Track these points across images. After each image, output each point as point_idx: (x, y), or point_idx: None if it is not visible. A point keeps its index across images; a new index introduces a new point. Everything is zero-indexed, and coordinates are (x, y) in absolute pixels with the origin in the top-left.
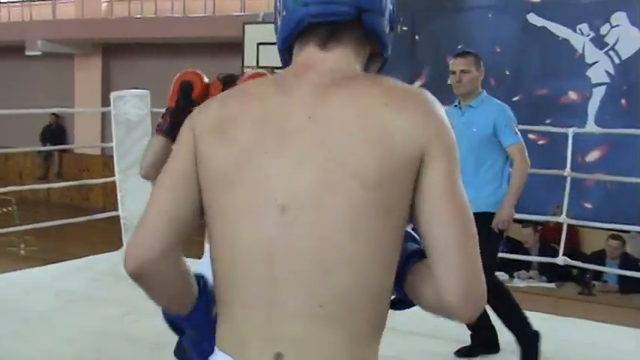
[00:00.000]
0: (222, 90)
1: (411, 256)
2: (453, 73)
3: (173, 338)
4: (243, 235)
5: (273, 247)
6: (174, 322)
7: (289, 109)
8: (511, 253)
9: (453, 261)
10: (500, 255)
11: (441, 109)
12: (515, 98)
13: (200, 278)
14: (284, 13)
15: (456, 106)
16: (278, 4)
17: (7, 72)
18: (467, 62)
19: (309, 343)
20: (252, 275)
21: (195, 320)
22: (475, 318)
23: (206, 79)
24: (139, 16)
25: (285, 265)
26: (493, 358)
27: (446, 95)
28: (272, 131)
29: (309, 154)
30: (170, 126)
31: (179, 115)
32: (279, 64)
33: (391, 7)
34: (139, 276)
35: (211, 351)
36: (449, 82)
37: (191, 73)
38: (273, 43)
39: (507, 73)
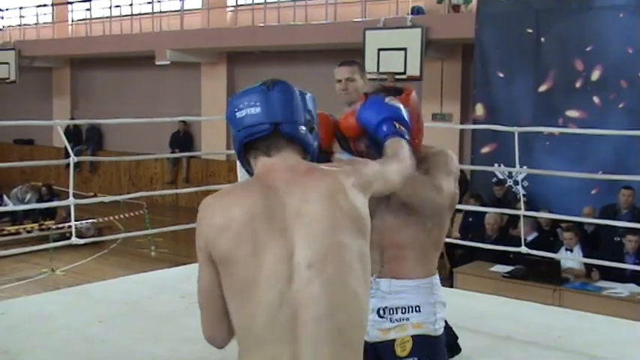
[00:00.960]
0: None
1: None
2: (339, 81)
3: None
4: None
5: (296, 299)
6: None
7: (281, 202)
8: None
9: None
10: (629, 267)
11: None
12: None
13: None
14: (234, 134)
15: None
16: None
17: (138, 81)
18: (351, 70)
19: None
20: (280, 319)
21: None
22: None
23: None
24: (262, 24)
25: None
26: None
27: (574, 98)
28: (276, 220)
29: (310, 232)
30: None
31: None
32: (398, 70)
33: (307, 116)
34: (217, 346)
35: None
36: (337, 90)
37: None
38: (394, 49)
39: None
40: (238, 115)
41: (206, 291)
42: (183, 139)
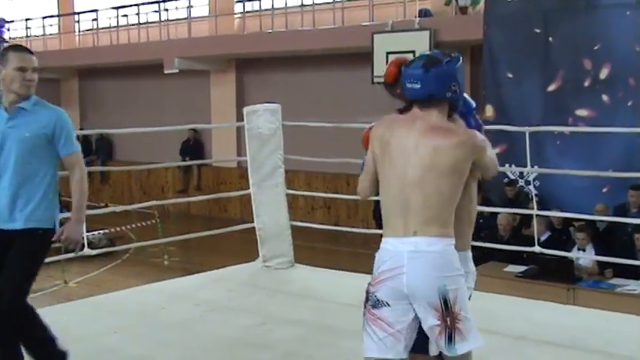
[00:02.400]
0: None
1: None
2: (23, 70)
3: (306, 347)
4: (394, 186)
5: (408, 189)
6: None
7: (413, 138)
8: None
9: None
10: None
11: (472, 139)
12: None
13: None
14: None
15: None
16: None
17: (147, 90)
18: (36, 60)
19: (427, 227)
20: (398, 204)
21: None
22: None
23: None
24: (270, 30)
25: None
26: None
27: (583, 97)
28: (405, 147)
29: (418, 161)
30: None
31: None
32: None
33: (452, 82)
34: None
35: None
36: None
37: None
38: (403, 52)
39: None
40: (407, 85)
41: (367, 163)
42: (194, 147)
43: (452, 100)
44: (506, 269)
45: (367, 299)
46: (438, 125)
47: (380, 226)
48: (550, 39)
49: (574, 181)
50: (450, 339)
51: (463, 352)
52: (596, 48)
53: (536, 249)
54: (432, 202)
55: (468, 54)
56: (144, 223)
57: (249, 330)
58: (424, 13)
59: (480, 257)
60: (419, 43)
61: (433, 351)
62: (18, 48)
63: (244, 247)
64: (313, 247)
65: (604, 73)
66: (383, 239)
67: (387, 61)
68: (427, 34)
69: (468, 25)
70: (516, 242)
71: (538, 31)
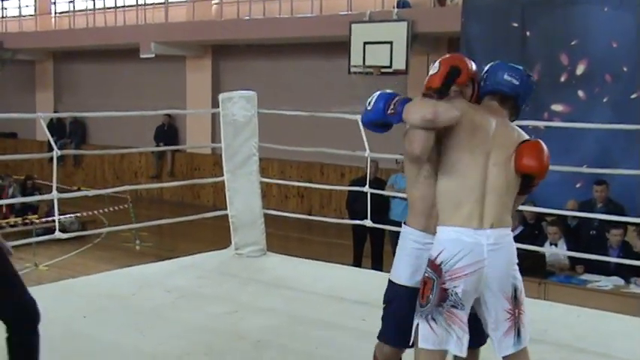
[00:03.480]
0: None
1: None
2: None
3: (278, 336)
4: (474, 174)
5: (488, 180)
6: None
7: (494, 126)
8: (627, 256)
9: None
10: (614, 260)
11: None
12: (633, 96)
13: None
14: (487, 82)
15: None
16: (485, 75)
17: (122, 74)
18: None
19: (501, 218)
20: (477, 189)
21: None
22: None
23: (473, 66)
24: (247, 17)
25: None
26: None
27: (559, 92)
28: (490, 133)
29: (501, 147)
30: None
31: (439, 96)
32: (384, 64)
33: (529, 96)
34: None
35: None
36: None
37: (460, 60)
38: (380, 42)
39: (624, 69)
40: (506, 77)
41: (450, 117)
42: (168, 132)
43: (519, 112)
44: None
45: (445, 297)
46: (508, 122)
47: (353, 217)
48: (527, 33)
49: (548, 176)
50: (519, 333)
51: (524, 346)
52: (573, 43)
53: None
54: (509, 191)
55: (446, 46)
56: (116, 208)
57: (220, 318)
58: (402, 4)
59: None
60: (397, 34)
61: (497, 348)
62: None
63: (216, 235)
64: (286, 236)
65: (580, 69)
66: (447, 227)
67: (364, 51)
68: (405, 25)
69: (446, 16)
70: None
71: (516, 25)
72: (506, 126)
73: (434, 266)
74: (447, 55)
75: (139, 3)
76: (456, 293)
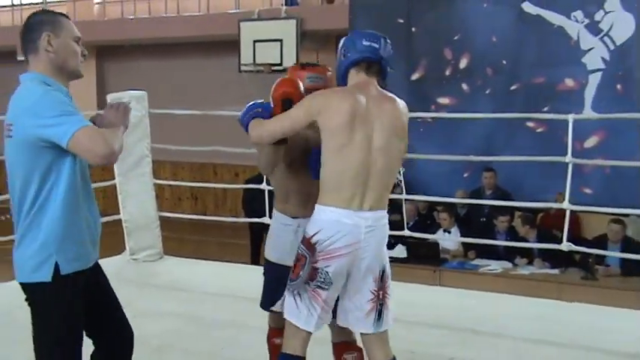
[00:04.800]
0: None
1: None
2: (78, 41)
3: (178, 340)
4: (356, 158)
5: (371, 163)
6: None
7: (371, 105)
8: (513, 240)
9: None
10: (504, 243)
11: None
12: (513, 87)
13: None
14: (348, 54)
15: None
16: (343, 49)
17: None
18: None
19: (381, 200)
20: (362, 173)
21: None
22: None
23: (301, 87)
24: (132, 16)
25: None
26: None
27: (444, 86)
28: (368, 114)
29: (383, 127)
30: None
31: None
32: (275, 61)
33: (388, 58)
34: (256, 142)
35: None
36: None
37: (290, 86)
38: (269, 40)
39: (504, 62)
40: (364, 42)
41: (288, 129)
42: None
43: (385, 76)
44: None
45: (314, 275)
46: (384, 92)
47: (250, 215)
48: (413, 29)
49: (437, 167)
50: (380, 314)
51: (386, 329)
52: (456, 38)
53: (406, 233)
54: (391, 171)
55: (334, 42)
56: (1, 218)
57: None
58: (290, 2)
59: None
60: (286, 32)
61: (341, 320)
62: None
63: (107, 241)
64: (182, 239)
65: (463, 63)
66: (327, 208)
67: (254, 49)
68: (294, 23)
69: (334, 14)
70: None
71: (401, 21)
72: (381, 98)
73: (308, 244)
74: (277, 82)
75: (15, 3)
76: (327, 273)
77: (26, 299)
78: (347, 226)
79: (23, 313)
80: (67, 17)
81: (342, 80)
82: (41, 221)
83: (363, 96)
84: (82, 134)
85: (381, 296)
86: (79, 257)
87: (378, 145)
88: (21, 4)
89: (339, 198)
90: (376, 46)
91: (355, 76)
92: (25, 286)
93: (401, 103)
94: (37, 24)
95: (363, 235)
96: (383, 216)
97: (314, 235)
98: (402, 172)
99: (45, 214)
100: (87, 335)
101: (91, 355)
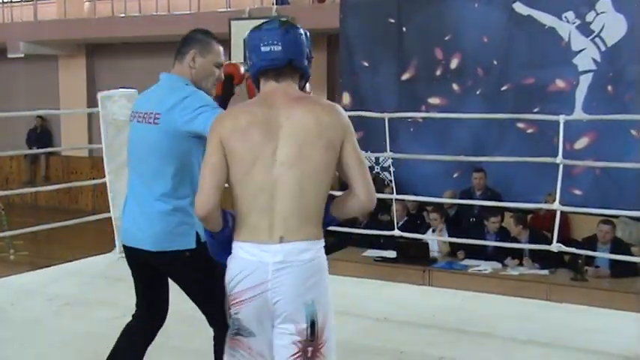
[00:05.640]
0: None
1: (329, 202)
2: (219, 68)
3: (167, 338)
4: (257, 179)
5: (277, 184)
6: (211, 236)
7: (275, 116)
8: (503, 241)
9: (361, 180)
10: (493, 244)
11: (344, 112)
12: (504, 88)
13: (227, 214)
14: (250, 62)
15: None
16: (246, 57)
17: None
18: None
19: (297, 230)
20: (263, 197)
21: (222, 235)
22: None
23: (242, 69)
24: (122, 15)
25: (282, 192)
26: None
27: (435, 86)
28: (269, 126)
29: (290, 139)
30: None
31: (225, 102)
32: None
33: (307, 49)
34: (205, 218)
35: (229, 252)
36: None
37: (230, 66)
38: None
39: (495, 62)
40: (263, 49)
41: (218, 170)
42: (41, 135)
43: (306, 71)
44: (364, 254)
45: (232, 323)
46: (301, 95)
47: None
48: (404, 29)
49: (427, 167)
50: None
51: None
52: (447, 38)
53: (396, 233)
54: (308, 187)
55: (325, 42)
56: None
57: (108, 323)
58: (281, 1)
59: (339, 243)
60: None
61: None
62: (215, 37)
63: (97, 239)
64: None
65: (454, 63)
66: (235, 243)
67: (244, 48)
68: None
69: (324, 13)
70: (374, 227)
71: (392, 20)
72: (290, 105)
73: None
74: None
75: (5, 0)
76: (238, 320)
77: (162, 265)
78: (251, 264)
79: (16, 310)
80: (218, 42)
81: (258, 88)
82: (184, 197)
83: (266, 108)
84: None
85: (309, 354)
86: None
87: (283, 158)
88: (11, 1)
89: (244, 229)
90: (278, 49)
91: (264, 85)
92: (169, 253)
93: (323, 104)
94: (191, 40)
95: (271, 273)
96: (304, 249)
97: (226, 275)
98: (392, 172)
99: (185, 192)
100: (142, 302)
101: (129, 324)
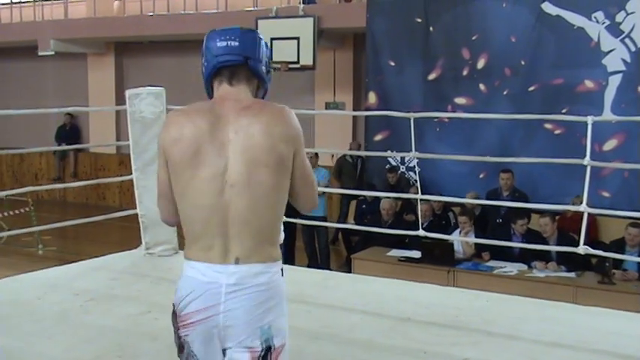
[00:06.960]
0: None
1: None
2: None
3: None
4: (205, 201)
5: (229, 205)
6: None
7: (223, 129)
8: (530, 243)
9: (302, 196)
10: (520, 245)
11: (295, 118)
12: (531, 88)
13: None
14: (205, 63)
15: None
16: (202, 56)
17: (20, 72)
18: None
19: (252, 251)
20: (215, 219)
21: None
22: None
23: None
24: (151, 13)
25: (234, 215)
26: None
27: (462, 86)
28: (217, 141)
29: (240, 157)
30: None
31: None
32: (292, 59)
33: (267, 58)
34: (169, 225)
35: None
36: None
37: None
38: (287, 38)
39: (522, 63)
40: (219, 44)
41: (165, 185)
42: (70, 132)
43: (263, 79)
44: (389, 254)
45: (182, 346)
46: (251, 103)
47: None
48: (431, 29)
49: (453, 167)
50: None
51: None
52: (474, 38)
53: (421, 233)
54: (261, 210)
55: (351, 41)
56: (16, 212)
57: (133, 319)
58: (308, 0)
59: (363, 242)
60: (303, 30)
61: None
62: None
63: (124, 236)
64: None
65: (481, 63)
66: (187, 262)
67: (271, 47)
68: (311, 21)
69: (351, 12)
70: (398, 227)
71: (419, 20)
72: (240, 115)
73: (173, 308)
74: None
75: None
76: (188, 343)
77: None
78: (202, 285)
79: (42, 304)
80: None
81: (209, 96)
82: None
83: (214, 118)
84: None
85: None
86: None
87: (233, 180)
88: (42, 0)
89: (196, 248)
90: (235, 44)
91: (217, 89)
92: None
93: (273, 111)
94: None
95: (224, 295)
96: (259, 272)
97: (175, 295)
98: (417, 172)
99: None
100: None
101: None
